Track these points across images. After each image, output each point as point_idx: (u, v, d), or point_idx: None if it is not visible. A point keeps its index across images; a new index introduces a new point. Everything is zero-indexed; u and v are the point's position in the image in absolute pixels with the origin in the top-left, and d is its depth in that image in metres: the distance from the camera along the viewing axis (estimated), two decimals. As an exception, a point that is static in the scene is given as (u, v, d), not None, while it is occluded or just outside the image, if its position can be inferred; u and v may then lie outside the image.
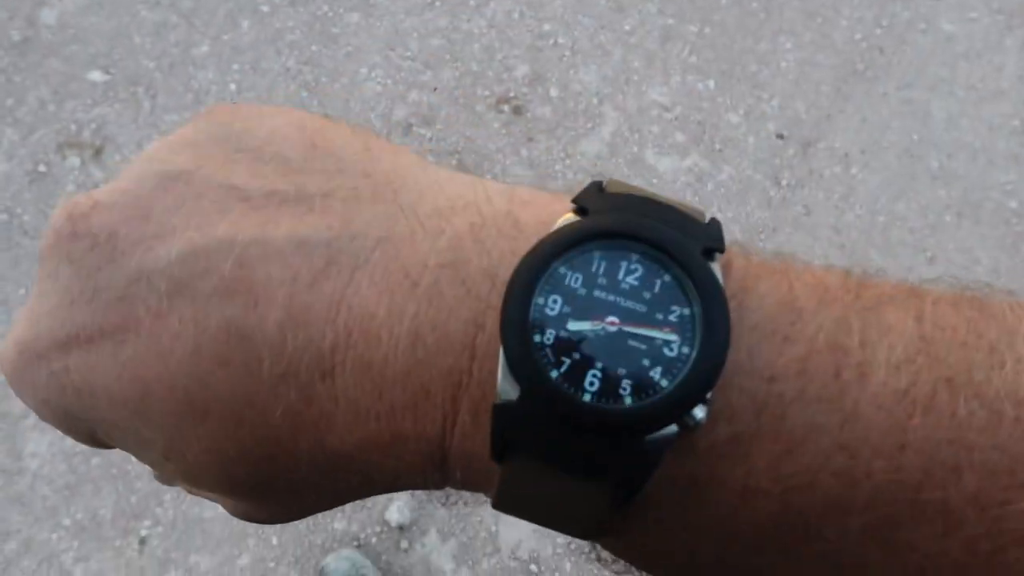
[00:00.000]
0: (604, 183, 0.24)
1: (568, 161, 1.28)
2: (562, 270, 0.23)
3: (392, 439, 0.24)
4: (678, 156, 1.28)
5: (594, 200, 0.24)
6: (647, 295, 0.23)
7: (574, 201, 0.23)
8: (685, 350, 0.22)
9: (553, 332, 0.22)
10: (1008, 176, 1.25)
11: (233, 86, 1.45)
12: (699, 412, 0.22)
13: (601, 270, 0.23)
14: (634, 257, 0.23)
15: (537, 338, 0.22)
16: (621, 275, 0.23)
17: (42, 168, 1.45)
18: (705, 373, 0.22)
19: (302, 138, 0.26)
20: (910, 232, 1.21)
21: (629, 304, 0.23)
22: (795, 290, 0.22)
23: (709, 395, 0.22)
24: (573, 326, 0.22)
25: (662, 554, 0.25)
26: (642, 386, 0.22)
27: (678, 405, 0.22)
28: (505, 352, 0.22)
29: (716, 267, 0.23)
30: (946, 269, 1.16)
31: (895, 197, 1.25)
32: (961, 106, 1.31)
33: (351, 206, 0.24)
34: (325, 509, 0.28)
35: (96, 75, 1.55)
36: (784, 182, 1.26)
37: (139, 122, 1.50)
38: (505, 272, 0.22)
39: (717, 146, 1.29)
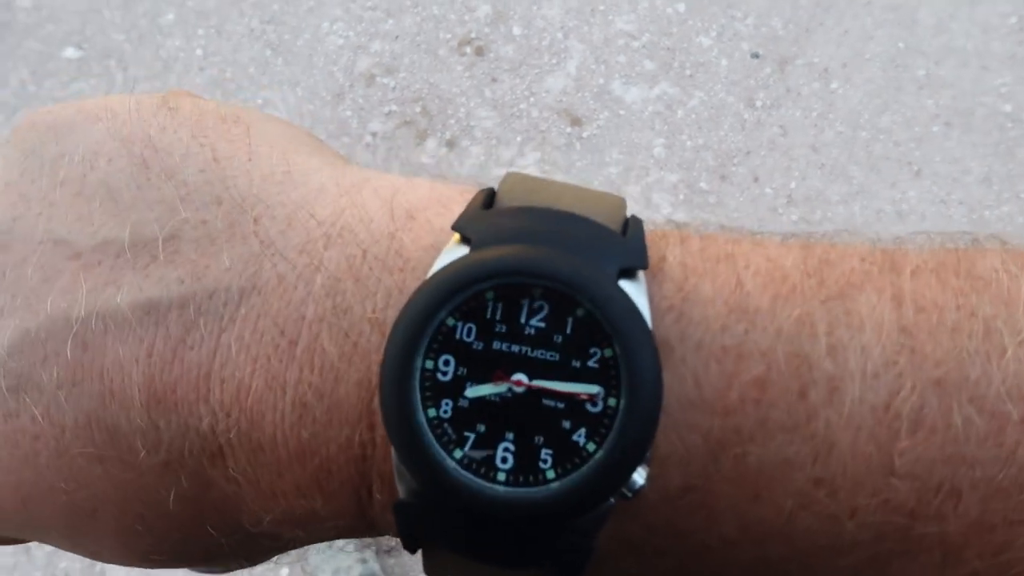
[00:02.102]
0: (498, 188, 0.21)
1: (533, 99, 1.25)
2: (450, 321, 0.19)
3: (308, 516, 0.21)
4: (647, 85, 1.23)
5: (479, 225, 0.20)
6: (558, 339, 0.19)
7: (455, 228, 0.19)
8: (612, 402, 0.18)
9: (450, 403, 0.18)
10: (1003, 78, 1.16)
11: (199, 51, 1.45)
12: (639, 478, 0.18)
13: (499, 315, 0.19)
14: (537, 293, 0.19)
15: (432, 412, 0.19)
16: (523, 318, 0.19)
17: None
18: (638, 430, 0.18)
19: (130, 157, 0.21)
20: (895, 146, 1.15)
21: (538, 354, 0.19)
22: (745, 286, 0.19)
23: (648, 453, 0.18)
24: (473, 392, 0.19)
25: None
26: (565, 454, 0.18)
27: (610, 479, 0.18)
28: (391, 442, 0.18)
29: (641, 283, 0.19)
30: (933, 182, 1.09)
31: (879, 111, 1.18)
32: (952, 8, 1.23)
33: (203, 249, 0.20)
34: (285, 551, 0.25)
35: (71, 52, 1.56)
36: (759, 103, 1.20)
37: (114, 93, 1.52)
38: (394, 317, 0.19)
39: (688, 71, 1.23)
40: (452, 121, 1.25)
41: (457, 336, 0.19)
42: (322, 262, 0.20)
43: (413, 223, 0.21)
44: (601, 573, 0.21)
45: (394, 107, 1.31)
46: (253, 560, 0.24)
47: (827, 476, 0.18)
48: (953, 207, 1.10)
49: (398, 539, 0.21)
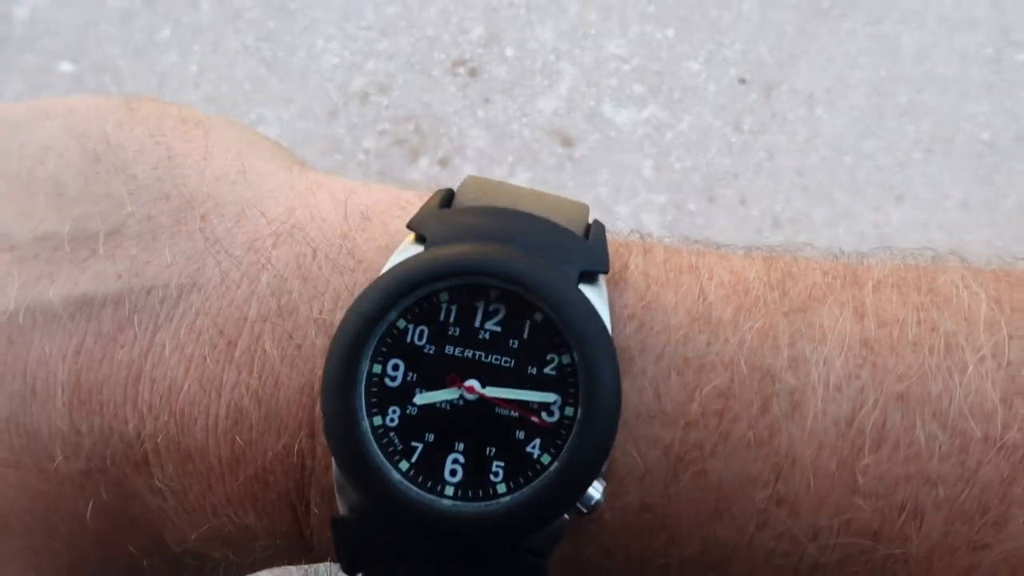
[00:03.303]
0: (456, 189, 0.20)
1: (525, 120, 1.26)
2: (401, 324, 0.18)
3: (239, 534, 0.20)
4: (636, 108, 1.25)
5: (435, 223, 0.19)
6: (514, 344, 0.18)
7: (410, 227, 0.19)
8: (569, 412, 0.17)
9: (397, 410, 0.17)
10: (980, 107, 1.20)
11: (195, 67, 1.46)
12: (595, 492, 0.17)
13: (452, 318, 0.18)
14: (493, 295, 0.18)
15: (377, 420, 0.17)
16: (478, 321, 0.18)
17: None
18: (595, 440, 0.17)
19: (82, 152, 0.20)
20: (877, 170, 1.17)
21: (492, 359, 0.18)
22: (708, 297, 0.18)
23: (604, 466, 0.17)
24: (422, 399, 0.17)
25: None
26: (518, 467, 0.17)
27: (564, 492, 0.17)
28: (331, 451, 0.17)
29: (602, 288, 0.18)
30: (914, 206, 1.12)
31: (862, 136, 1.21)
32: (933, 38, 1.26)
33: (146, 244, 0.19)
34: None
35: (66, 66, 1.57)
36: (746, 127, 1.22)
37: (108, 110, 1.53)
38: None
39: (676, 95, 1.26)
40: (445, 140, 1.27)
41: (408, 339, 0.18)
42: (269, 260, 0.19)
43: (368, 224, 0.20)
44: None
45: (387, 126, 1.33)
46: None
47: (789, 495, 0.17)
48: (934, 231, 1.13)
49: (337, 564, 0.20)
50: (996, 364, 0.17)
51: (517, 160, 1.22)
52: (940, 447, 0.17)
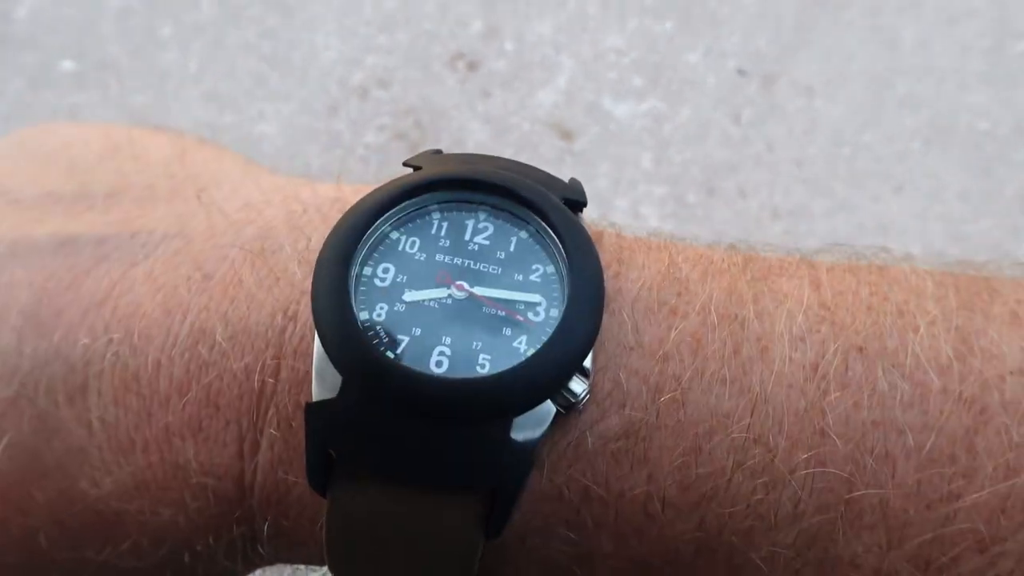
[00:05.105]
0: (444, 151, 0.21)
1: (524, 113, 1.27)
2: (394, 235, 0.19)
3: (166, 477, 0.18)
4: (635, 100, 1.26)
5: (428, 159, 0.20)
6: (501, 255, 0.19)
7: (406, 163, 0.20)
8: (554, 312, 0.18)
9: (385, 306, 0.18)
10: (979, 98, 1.20)
11: (195, 64, 1.46)
12: (577, 385, 0.18)
13: (443, 231, 0.19)
14: (482, 215, 0.19)
15: (364, 315, 0.18)
16: (468, 235, 0.19)
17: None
18: (578, 332, 0.18)
19: (105, 141, 0.22)
20: (876, 161, 1.17)
21: (481, 266, 0.19)
22: (677, 263, 0.20)
23: (588, 363, 0.18)
24: (411, 296, 0.18)
25: None
26: (505, 360, 0.18)
27: (551, 370, 0.17)
28: (319, 333, 0.17)
29: (582, 222, 0.19)
30: (913, 197, 1.12)
31: (860, 127, 1.21)
32: (931, 29, 1.26)
33: (142, 204, 0.20)
34: None
35: (67, 64, 1.57)
36: (745, 119, 1.23)
37: (108, 106, 1.53)
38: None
39: (675, 88, 1.26)
40: (445, 134, 1.27)
41: (400, 248, 0.19)
42: (261, 215, 0.19)
43: (359, 192, 0.20)
44: (529, 561, 0.19)
45: (387, 120, 1.33)
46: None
47: (763, 433, 0.18)
48: (932, 222, 1.13)
49: (260, 560, 0.18)
50: (946, 327, 0.18)
51: (517, 153, 1.22)
52: (902, 395, 0.17)
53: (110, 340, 0.18)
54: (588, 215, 0.21)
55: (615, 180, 1.19)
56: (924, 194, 1.12)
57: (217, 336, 0.18)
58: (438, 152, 0.21)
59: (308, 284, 0.18)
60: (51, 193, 0.20)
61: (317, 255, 0.18)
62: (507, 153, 1.34)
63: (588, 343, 0.18)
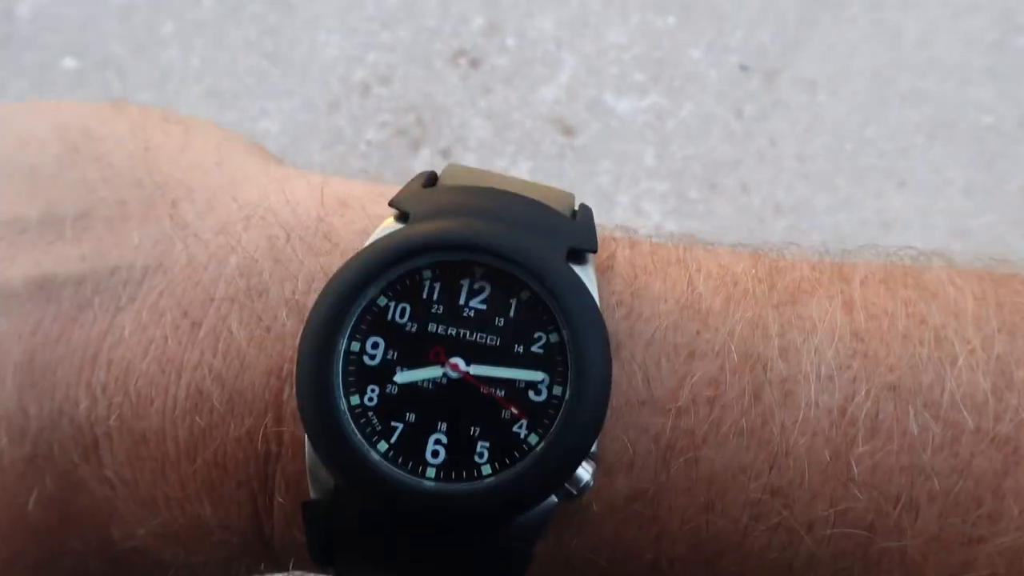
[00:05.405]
0: (440, 173, 0.20)
1: (526, 109, 1.27)
2: (382, 301, 0.17)
3: (192, 530, 0.19)
4: (637, 96, 1.25)
5: (418, 200, 0.18)
6: (500, 322, 0.17)
7: (392, 204, 0.18)
8: (557, 391, 0.17)
9: (376, 389, 0.17)
10: (983, 92, 1.19)
11: (197, 61, 1.46)
12: (584, 473, 0.17)
13: (436, 295, 0.17)
14: (478, 273, 0.17)
15: (355, 399, 0.17)
16: (463, 299, 0.17)
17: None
18: (585, 416, 0.16)
19: (63, 142, 0.20)
20: (880, 157, 1.17)
21: (477, 337, 0.17)
22: (697, 287, 0.18)
23: (595, 448, 0.17)
24: (403, 377, 0.17)
25: None
26: (504, 447, 0.17)
27: (554, 472, 0.16)
28: (307, 431, 0.17)
29: (590, 270, 0.18)
30: (916, 192, 1.12)
31: (863, 122, 1.20)
32: (934, 23, 1.26)
33: (114, 228, 0.19)
34: None
35: (69, 62, 1.57)
36: (747, 114, 1.22)
37: (111, 105, 1.53)
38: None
39: (677, 83, 1.25)
40: (446, 131, 1.27)
41: (389, 317, 0.17)
42: (240, 242, 0.18)
43: (346, 209, 0.19)
44: None
45: (388, 117, 1.33)
46: None
47: (783, 485, 0.17)
48: (936, 216, 1.13)
49: (298, 565, 0.19)
50: (985, 357, 0.16)
51: (518, 150, 1.22)
52: (933, 438, 0.16)
53: (110, 401, 0.18)
54: (594, 216, 0.20)
55: (617, 176, 1.19)
56: (927, 189, 1.12)
57: (214, 400, 0.18)
58: (431, 182, 0.19)
59: (299, 340, 0.17)
60: (14, 220, 0.19)
61: (305, 311, 0.17)
62: (509, 150, 1.34)
63: (595, 431, 0.16)
